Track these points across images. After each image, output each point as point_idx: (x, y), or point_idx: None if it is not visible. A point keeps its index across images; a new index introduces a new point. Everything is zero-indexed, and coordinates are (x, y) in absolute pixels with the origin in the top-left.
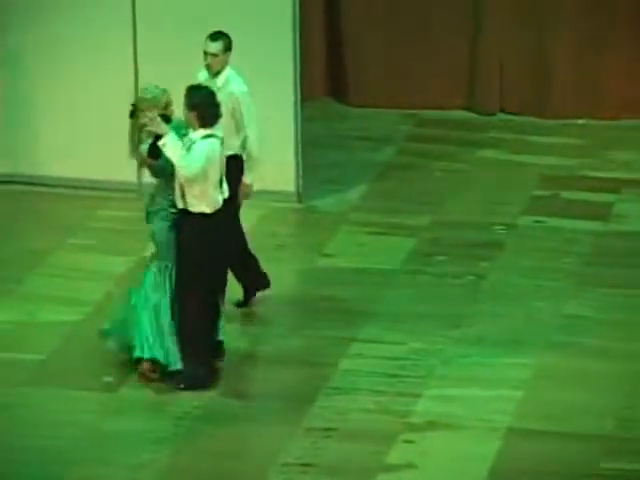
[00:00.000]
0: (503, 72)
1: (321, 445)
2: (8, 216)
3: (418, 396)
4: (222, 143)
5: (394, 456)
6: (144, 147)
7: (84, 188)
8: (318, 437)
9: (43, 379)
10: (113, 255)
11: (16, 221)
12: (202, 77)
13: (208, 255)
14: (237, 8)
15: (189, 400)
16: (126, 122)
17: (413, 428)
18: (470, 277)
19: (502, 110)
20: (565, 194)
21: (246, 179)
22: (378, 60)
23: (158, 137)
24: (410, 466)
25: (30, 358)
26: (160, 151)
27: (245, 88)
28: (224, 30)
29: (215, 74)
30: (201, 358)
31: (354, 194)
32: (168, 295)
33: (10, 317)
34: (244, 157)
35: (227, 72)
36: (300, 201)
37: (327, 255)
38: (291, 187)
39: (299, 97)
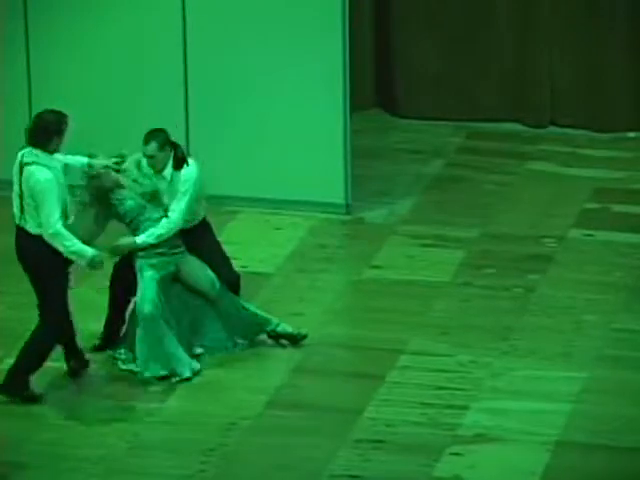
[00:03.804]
0: (554, 85)
1: (369, 457)
2: None
3: (466, 409)
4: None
5: (442, 469)
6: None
7: None
8: (366, 449)
9: (92, 389)
10: None
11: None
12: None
13: None
14: (287, 20)
15: (237, 411)
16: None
17: (461, 441)
18: (519, 290)
19: (553, 123)
20: (616, 207)
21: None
22: (428, 72)
23: None
24: (458, 479)
25: None
26: None
27: (195, 171)
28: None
29: (160, 171)
30: None
31: (403, 206)
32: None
33: None
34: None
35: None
36: (349, 213)
37: (375, 267)
38: (340, 199)
39: (348, 108)
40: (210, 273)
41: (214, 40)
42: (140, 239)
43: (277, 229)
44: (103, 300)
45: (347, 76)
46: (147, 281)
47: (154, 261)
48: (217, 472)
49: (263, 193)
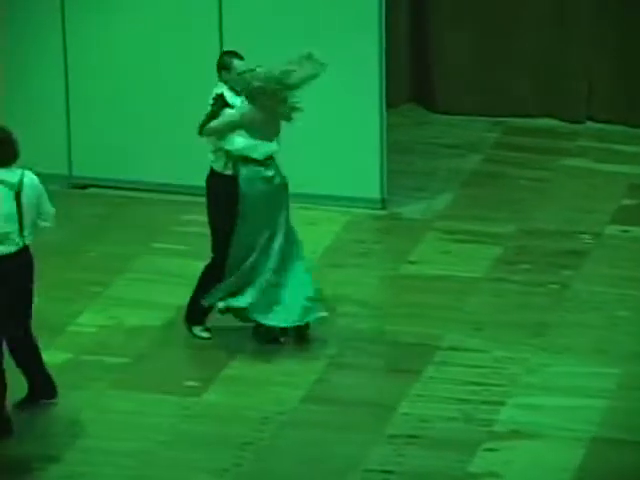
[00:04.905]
0: (591, 80)
1: (403, 452)
2: (93, 220)
3: (501, 404)
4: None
5: (477, 464)
6: None
7: (169, 192)
8: (401, 444)
9: (127, 382)
10: (198, 259)
11: (102, 225)
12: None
13: None
14: (323, 16)
15: (272, 406)
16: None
17: (496, 437)
18: (555, 286)
19: (591, 118)
20: None
21: None
22: (464, 67)
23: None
24: (493, 475)
25: (114, 361)
26: None
27: None
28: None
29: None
30: None
31: (439, 201)
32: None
33: (95, 320)
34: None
35: None
36: (385, 208)
37: (412, 262)
38: (376, 194)
39: (384, 103)
40: None
41: (250, 35)
42: None
43: (313, 224)
44: (133, 294)
45: (383, 71)
46: None
47: None
48: (252, 466)
49: (299, 188)
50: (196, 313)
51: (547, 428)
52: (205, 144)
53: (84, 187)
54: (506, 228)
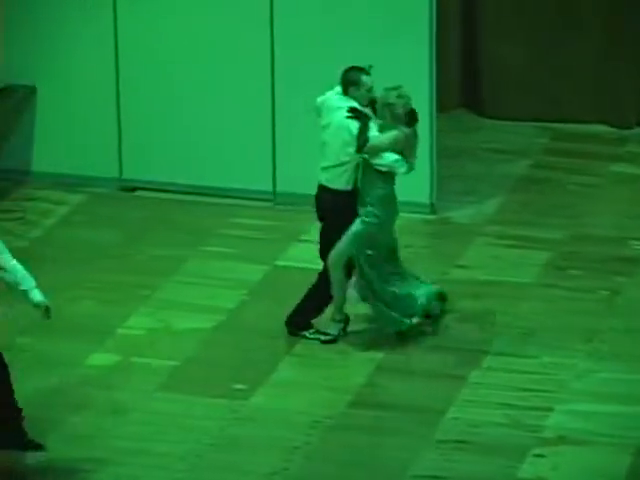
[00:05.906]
0: None
1: (452, 458)
2: (143, 223)
3: (550, 410)
4: None
5: (525, 470)
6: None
7: (218, 196)
8: (449, 449)
9: (175, 385)
10: (247, 263)
11: (151, 228)
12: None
13: None
14: (375, 21)
15: (320, 410)
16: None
17: (544, 442)
18: (605, 292)
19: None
20: None
21: None
22: (514, 73)
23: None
24: None
25: (163, 364)
26: None
27: None
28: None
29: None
30: None
31: (489, 206)
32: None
33: (144, 323)
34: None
35: None
36: (434, 212)
37: (461, 267)
38: (425, 198)
39: (434, 108)
40: None
41: (302, 40)
42: None
43: None
44: (182, 297)
45: (433, 77)
46: None
47: None
48: (300, 470)
49: None
50: (304, 321)
51: (595, 435)
52: (255, 148)
53: (134, 189)
54: (555, 234)
